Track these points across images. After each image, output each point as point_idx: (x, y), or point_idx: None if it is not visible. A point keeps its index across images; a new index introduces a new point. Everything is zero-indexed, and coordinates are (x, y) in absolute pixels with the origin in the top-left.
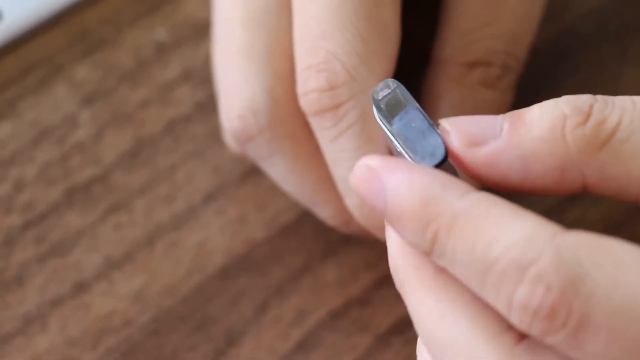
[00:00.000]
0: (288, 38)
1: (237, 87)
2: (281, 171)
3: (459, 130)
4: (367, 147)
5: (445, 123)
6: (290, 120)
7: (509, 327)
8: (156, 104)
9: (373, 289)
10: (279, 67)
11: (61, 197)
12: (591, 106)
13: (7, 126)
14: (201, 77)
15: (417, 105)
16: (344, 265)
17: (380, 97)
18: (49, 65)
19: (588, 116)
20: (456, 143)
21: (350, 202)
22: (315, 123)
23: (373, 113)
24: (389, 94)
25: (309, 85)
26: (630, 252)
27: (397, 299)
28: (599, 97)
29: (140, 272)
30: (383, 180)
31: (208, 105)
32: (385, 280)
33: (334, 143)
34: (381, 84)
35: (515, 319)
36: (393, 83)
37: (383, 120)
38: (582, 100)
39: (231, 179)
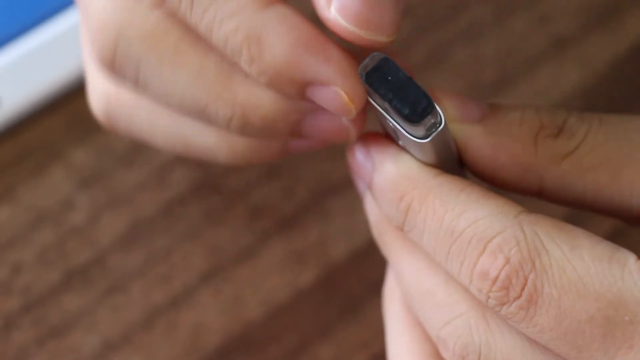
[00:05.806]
0: None
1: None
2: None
3: (451, 102)
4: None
5: (438, 92)
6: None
7: None
8: (152, 186)
9: None
10: None
11: (59, 280)
12: (564, 121)
13: (6, 210)
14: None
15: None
16: (340, 344)
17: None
18: (47, 149)
19: (560, 130)
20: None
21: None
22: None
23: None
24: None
25: None
26: (587, 236)
27: None
28: (573, 113)
29: (138, 353)
30: (373, 159)
31: (204, 187)
32: (380, 358)
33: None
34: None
35: (474, 289)
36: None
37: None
38: (559, 115)
39: (227, 259)
